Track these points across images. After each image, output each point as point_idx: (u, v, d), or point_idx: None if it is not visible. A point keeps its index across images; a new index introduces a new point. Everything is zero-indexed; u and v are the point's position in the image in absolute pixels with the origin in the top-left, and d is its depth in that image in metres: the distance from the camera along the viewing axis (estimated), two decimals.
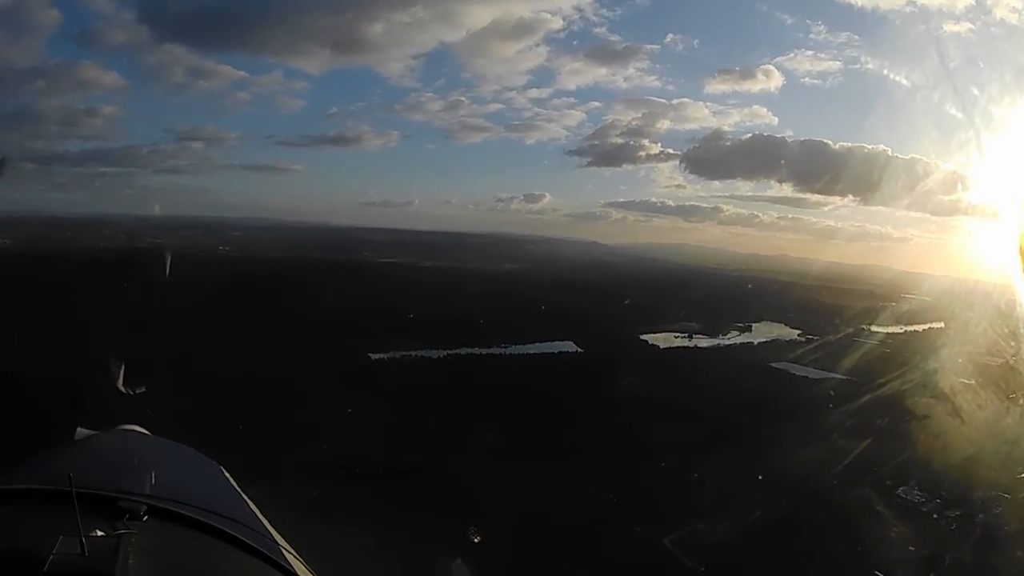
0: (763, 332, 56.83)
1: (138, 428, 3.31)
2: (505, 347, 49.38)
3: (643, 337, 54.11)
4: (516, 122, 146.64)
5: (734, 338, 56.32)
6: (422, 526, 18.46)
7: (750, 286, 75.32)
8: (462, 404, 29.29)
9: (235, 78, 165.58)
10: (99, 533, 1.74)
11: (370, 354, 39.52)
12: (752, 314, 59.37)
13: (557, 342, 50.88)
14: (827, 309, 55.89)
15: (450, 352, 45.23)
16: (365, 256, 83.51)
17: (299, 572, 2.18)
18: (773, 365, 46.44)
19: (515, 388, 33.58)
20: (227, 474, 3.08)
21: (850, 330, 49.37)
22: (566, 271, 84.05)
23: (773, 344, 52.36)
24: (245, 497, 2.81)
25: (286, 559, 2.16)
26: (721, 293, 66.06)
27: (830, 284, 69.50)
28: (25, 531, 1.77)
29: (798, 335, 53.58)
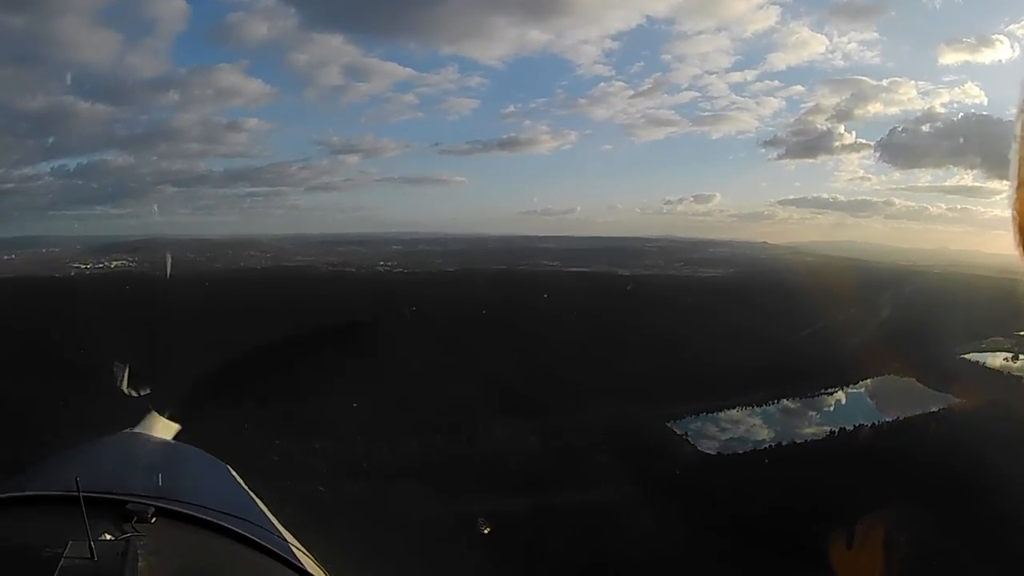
0: None
1: (143, 431, 3.19)
2: (833, 392, 31.48)
3: (972, 360, 37.55)
4: (706, 113, 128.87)
5: None
6: None
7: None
8: None
9: (401, 78, 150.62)
10: (108, 537, 1.69)
11: (672, 426, 22.17)
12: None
13: (883, 377, 33.10)
14: None
15: (771, 410, 27.31)
16: (551, 265, 69.18)
17: (311, 570, 2.08)
18: None
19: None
20: (235, 474, 2.91)
21: None
22: (771, 274, 68.14)
23: None
24: (255, 496, 2.66)
25: (298, 557, 2.07)
26: (941, 294, 49.68)
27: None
28: (34, 537, 1.70)
29: None
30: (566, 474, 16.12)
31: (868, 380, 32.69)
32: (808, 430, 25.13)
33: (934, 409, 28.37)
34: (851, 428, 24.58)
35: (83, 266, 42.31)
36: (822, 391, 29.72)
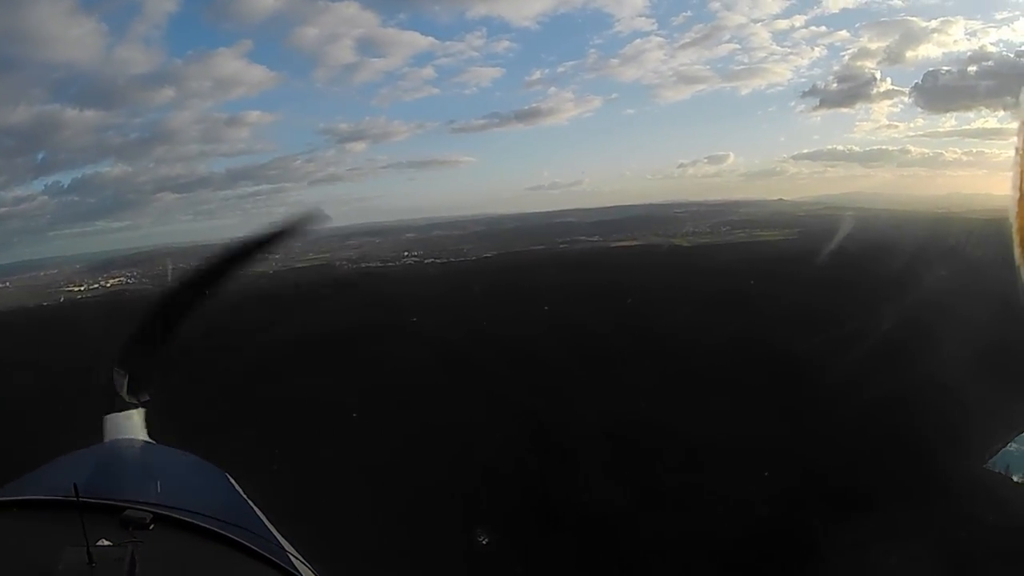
0: None
1: (142, 437, 3.13)
2: None
3: None
4: (741, 66, 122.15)
5: None
6: None
7: None
8: None
9: (420, 48, 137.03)
10: (106, 543, 1.71)
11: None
12: None
13: None
14: None
15: None
16: (592, 241, 61.16)
17: None
18: None
19: None
20: (234, 482, 2.84)
21: None
22: (820, 238, 59.94)
23: None
24: (253, 505, 2.63)
25: (295, 567, 2.09)
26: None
27: None
28: (31, 541, 1.73)
29: None
30: None
31: None
32: None
33: None
34: None
35: (76, 288, 35.38)
36: None
